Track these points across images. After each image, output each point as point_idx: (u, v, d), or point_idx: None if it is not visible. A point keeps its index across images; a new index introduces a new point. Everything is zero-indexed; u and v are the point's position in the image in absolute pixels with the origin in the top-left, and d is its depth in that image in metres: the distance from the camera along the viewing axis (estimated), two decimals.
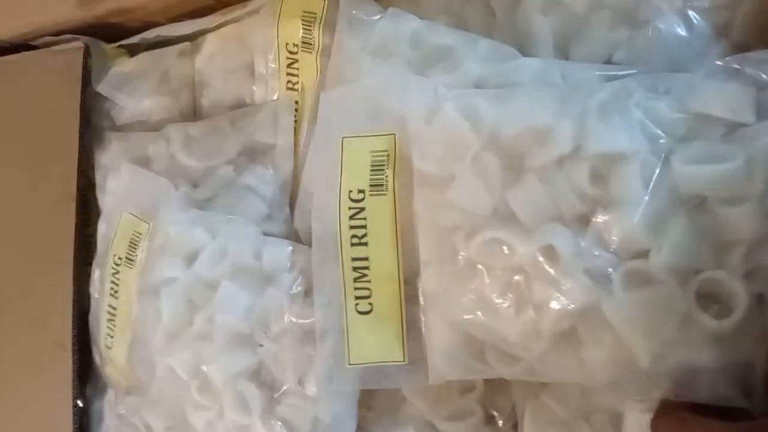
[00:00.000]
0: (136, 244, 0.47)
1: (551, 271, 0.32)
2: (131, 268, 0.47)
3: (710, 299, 0.30)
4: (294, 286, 0.41)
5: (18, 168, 0.54)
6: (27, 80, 0.55)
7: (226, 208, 0.46)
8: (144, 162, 0.49)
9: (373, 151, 0.38)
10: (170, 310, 0.42)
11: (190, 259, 0.43)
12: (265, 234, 0.45)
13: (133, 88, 0.51)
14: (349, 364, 0.37)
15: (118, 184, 0.49)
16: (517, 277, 0.33)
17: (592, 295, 0.31)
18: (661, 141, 0.32)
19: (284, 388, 0.40)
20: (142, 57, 0.52)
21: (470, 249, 0.34)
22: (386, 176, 0.38)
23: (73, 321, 0.50)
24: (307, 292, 0.41)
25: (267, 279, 0.42)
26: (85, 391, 0.52)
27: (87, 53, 0.53)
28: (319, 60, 0.46)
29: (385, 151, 0.38)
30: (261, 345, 0.41)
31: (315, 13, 0.45)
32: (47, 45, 0.55)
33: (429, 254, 0.36)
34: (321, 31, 0.45)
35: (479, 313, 0.34)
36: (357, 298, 0.37)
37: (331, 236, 0.38)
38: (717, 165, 0.30)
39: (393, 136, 0.38)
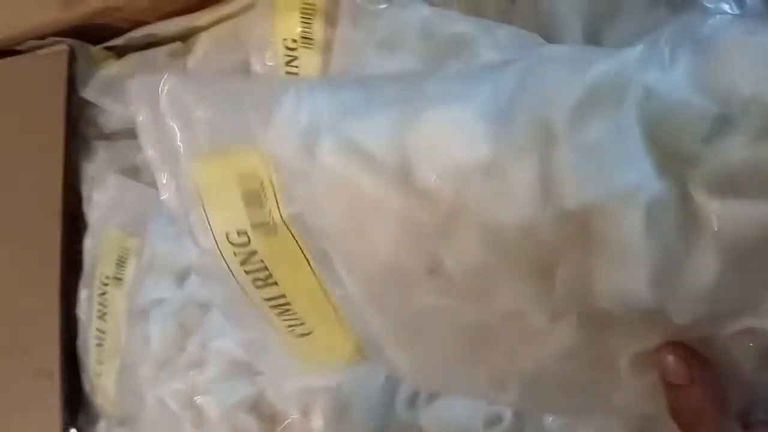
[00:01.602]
0: (124, 262, 0.43)
1: None
2: (119, 287, 0.43)
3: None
4: None
5: (1, 182, 0.51)
6: (9, 87, 0.52)
7: None
8: (132, 172, 0.45)
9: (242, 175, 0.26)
10: (160, 335, 0.38)
11: (181, 277, 0.40)
12: None
13: (121, 92, 0.47)
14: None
15: (105, 196, 0.45)
16: None
17: None
18: (675, 159, 0.21)
19: (287, 421, 0.36)
20: (130, 58, 0.48)
21: None
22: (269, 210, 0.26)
23: (61, 347, 0.46)
24: None
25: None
26: (77, 421, 0.48)
27: (72, 57, 0.50)
28: (320, 56, 0.42)
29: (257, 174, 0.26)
30: (260, 373, 0.36)
31: (315, 5, 0.41)
32: (31, 49, 0.52)
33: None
34: (322, 24, 0.41)
35: None
36: (290, 326, 0.29)
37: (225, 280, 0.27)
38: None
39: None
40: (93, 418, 0.48)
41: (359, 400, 0.34)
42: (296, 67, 0.43)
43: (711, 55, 0.22)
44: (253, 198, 0.26)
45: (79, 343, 0.47)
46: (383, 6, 0.39)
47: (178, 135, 0.26)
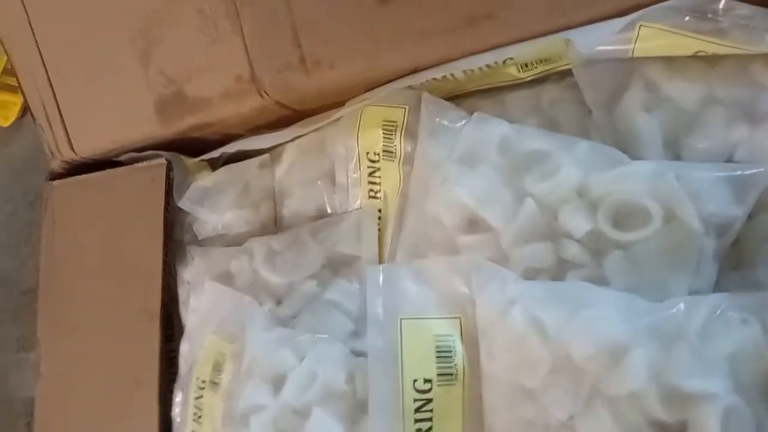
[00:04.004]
0: (220, 366, 0.45)
1: None
2: (215, 391, 0.45)
3: None
4: None
5: (103, 283, 0.54)
6: (112, 196, 0.56)
7: (311, 325, 0.44)
8: (227, 278, 0.48)
9: (438, 337, 0.36)
10: None
11: (278, 383, 0.41)
12: (353, 351, 0.42)
13: (215, 202, 0.51)
14: None
15: (201, 302, 0.48)
16: None
17: None
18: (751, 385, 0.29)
19: None
20: (223, 171, 0.52)
21: None
22: (455, 364, 0.35)
23: None
24: None
25: (361, 406, 0.39)
26: None
27: (169, 168, 0.53)
28: (401, 167, 0.44)
29: (451, 336, 0.36)
30: None
31: (395, 122, 0.44)
32: (131, 161, 0.57)
33: None
34: (402, 139, 0.44)
35: None
36: None
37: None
38: None
39: (458, 319, 0.36)
40: None
41: None
42: (378, 177, 0.45)
43: None
44: (445, 353, 0.35)
45: None
46: (461, 123, 0.41)
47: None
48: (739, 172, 0.33)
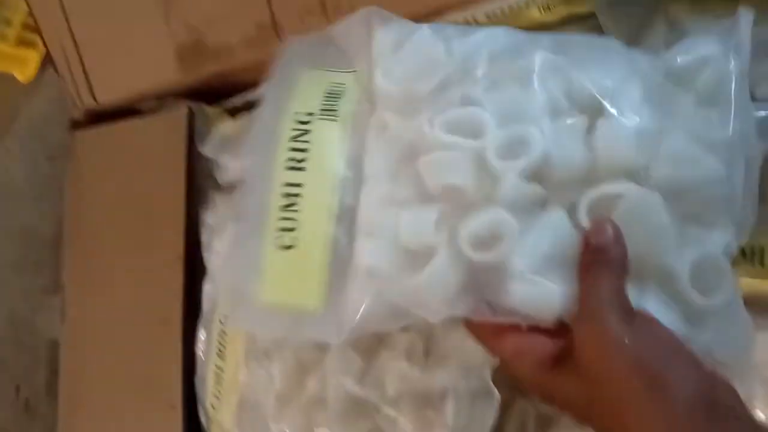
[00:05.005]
0: None
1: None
2: (237, 328, 0.46)
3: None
4: (410, 347, 0.39)
5: (127, 229, 0.56)
6: (135, 144, 0.57)
7: None
8: None
9: (332, 82, 0.37)
10: (282, 374, 0.41)
11: None
12: None
13: (237, 149, 0.52)
14: (257, 305, 0.33)
15: (224, 244, 0.49)
16: None
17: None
18: None
19: None
20: (244, 117, 0.53)
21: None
22: (340, 104, 0.36)
23: (183, 381, 0.50)
24: (426, 353, 0.39)
25: (380, 340, 0.40)
26: None
27: (191, 116, 0.54)
28: None
29: (344, 84, 0.37)
30: (378, 410, 0.39)
31: None
32: (152, 109, 0.57)
33: (374, 168, 0.34)
34: None
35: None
36: (281, 229, 0.33)
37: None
38: None
39: (355, 72, 0.37)
40: None
41: None
42: None
43: None
44: (333, 95, 0.36)
45: (197, 378, 0.51)
46: None
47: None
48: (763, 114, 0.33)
